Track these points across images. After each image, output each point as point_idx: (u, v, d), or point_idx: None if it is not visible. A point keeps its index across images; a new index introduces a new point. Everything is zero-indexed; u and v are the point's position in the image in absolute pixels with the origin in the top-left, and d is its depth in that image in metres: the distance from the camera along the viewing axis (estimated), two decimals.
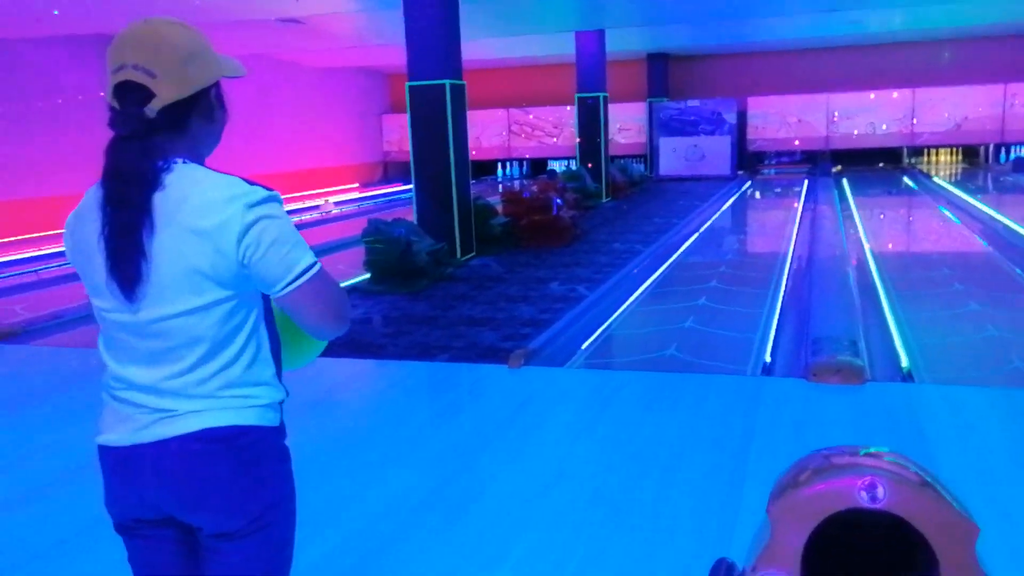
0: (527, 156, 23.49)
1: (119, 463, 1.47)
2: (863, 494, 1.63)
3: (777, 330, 5.78)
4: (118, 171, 1.38)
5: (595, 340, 5.80)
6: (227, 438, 1.43)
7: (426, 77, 8.72)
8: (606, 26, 15.40)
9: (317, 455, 3.64)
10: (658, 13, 14.60)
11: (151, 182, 1.37)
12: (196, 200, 1.37)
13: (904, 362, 4.84)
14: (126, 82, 1.39)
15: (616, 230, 11.42)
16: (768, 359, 5.13)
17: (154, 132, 1.40)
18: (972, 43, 20.13)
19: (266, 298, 1.51)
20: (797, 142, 21.49)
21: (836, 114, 21.04)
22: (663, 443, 3.66)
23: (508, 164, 24.05)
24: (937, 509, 1.39)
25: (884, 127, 20.84)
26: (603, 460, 3.53)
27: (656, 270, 8.25)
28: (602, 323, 6.19)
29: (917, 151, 21.36)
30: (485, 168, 23.11)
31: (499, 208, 10.51)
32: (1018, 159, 18.72)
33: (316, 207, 16.74)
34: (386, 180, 23.04)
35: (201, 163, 1.48)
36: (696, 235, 10.86)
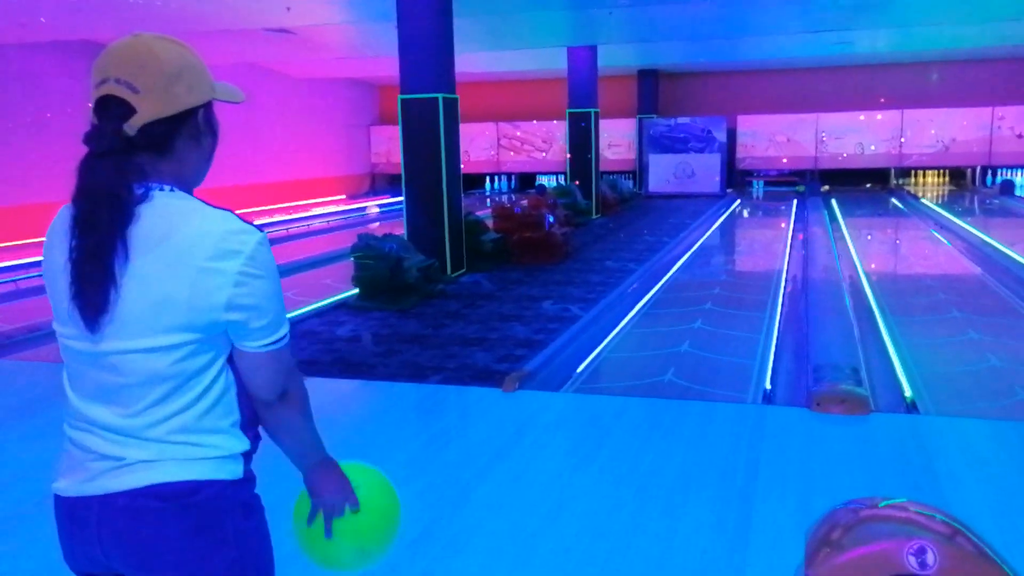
0: (516, 171, 23.43)
1: (66, 513, 1.37)
2: (911, 559, 1.52)
3: (776, 355, 5.68)
4: (90, 190, 1.27)
5: (591, 363, 5.68)
6: (179, 495, 1.31)
7: (419, 90, 8.61)
8: (598, 42, 15.38)
9: (300, 483, 3.48)
10: (650, 30, 14.60)
11: (125, 204, 1.26)
12: (183, 236, 1.27)
13: (907, 392, 4.74)
14: (107, 96, 1.29)
15: (608, 248, 11.33)
16: (768, 386, 5.03)
17: (133, 151, 1.29)
18: (960, 65, 20.29)
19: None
20: (785, 160, 21.54)
21: (824, 134, 21.12)
22: (666, 475, 3.54)
23: (497, 178, 23.98)
24: None
25: (872, 147, 20.94)
26: (605, 492, 3.39)
27: (650, 290, 8.15)
28: (597, 345, 6.07)
29: (905, 172, 21.47)
30: (473, 182, 23.03)
31: (490, 224, 10.40)
32: (1005, 182, 18.82)
33: (302, 219, 16.53)
34: (373, 192, 22.90)
35: (189, 191, 1.37)
36: (688, 254, 10.79)
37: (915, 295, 7.74)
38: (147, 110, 1.29)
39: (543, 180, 22.09)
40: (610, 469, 3.66)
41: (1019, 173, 20.41)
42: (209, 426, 1.34)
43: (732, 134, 21.34)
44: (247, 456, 1.41)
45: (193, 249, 1.27)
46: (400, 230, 9.02)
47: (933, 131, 20.41)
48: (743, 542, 2.92)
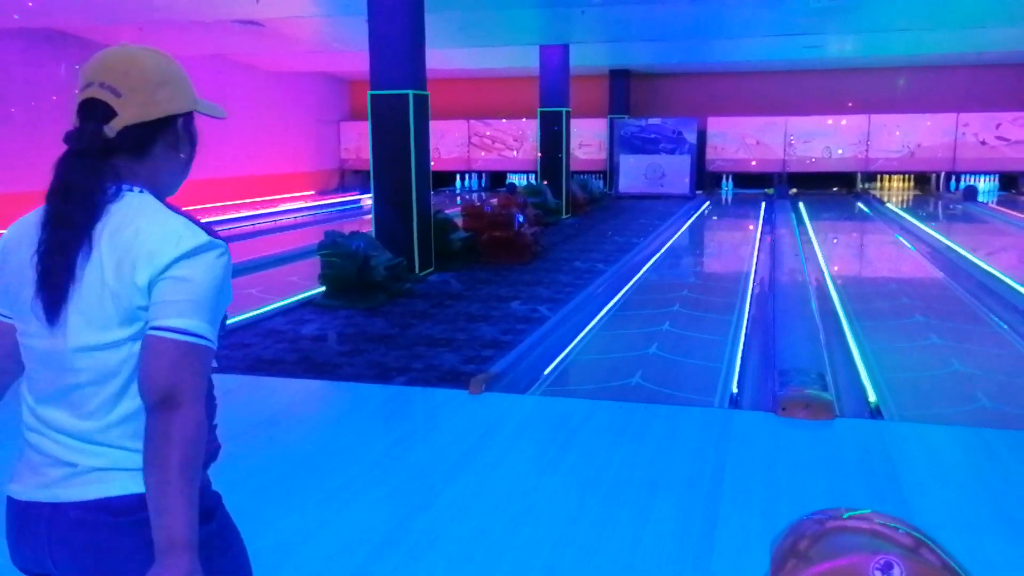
0: (487, 169, 23.37)
1: (17, 515, 1.36)
2: (876, 574, 1.51)
3: (743, 359, 5.70)
4: (65, 188, 1.30)
5: (558, 365, 5.66)
6: (130, 510, 1.29)
7: (389, 86, 8.53)
8: (570, 41, 15.38)
9: (264, 487, 3.42)
10: (622, 30, 14.63)
11: (97, 203, 1.29)
12: (133, 230, 1.29)
13: (872, 397, 4.78)
14: (90, 99, 1.34)
15: (577, 248, 11.33)
16: (735, 390, 5.04)
17: (111, 152, 1.33)
18: (926, 72, 20.60)
19: None
20: (754, 163, 21.72)
21: (793, 137, 21.33)
22: (633, 480, 3.52)
23: (467, 176, 23.90)
24: None
25: (839, 152, 21.19)
26: (572, 496, 3.37)
27: (618, 291, 8.15)
28: (565, 347, 6.05)
29: (871, 177, 21.75)
30: (443, 179, 22.94)
31: (459, 222, 10.34)
32: (968, 188, 19.13)
33: (270, 214, 16.33)
34: (343, 188, 22.72)
35: (160, 197, 1.38)
36: (658, 255, 10.82)
37: (880, 299, 7.82)
38: (128, 113, 1.33)
39: (513, 179, 22.04)
40: (577, 473, 3.63)
41: (982, 179, 20.79)
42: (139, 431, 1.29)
43: (702, 136, 21.47)
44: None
45: (136, 241, 1.27)
46: (368, 227, 8.93)
47: (899, 136, 20.71)
48: (708, 548, 2.91)
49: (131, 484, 1.29)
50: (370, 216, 9.28)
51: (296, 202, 18.86)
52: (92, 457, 1.30)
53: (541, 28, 13.99)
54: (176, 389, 1.24)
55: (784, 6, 11.91)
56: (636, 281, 8.82)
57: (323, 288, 7.54)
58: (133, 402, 1.29)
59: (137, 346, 1.28)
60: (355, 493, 3.43)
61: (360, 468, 3.73)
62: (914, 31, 14.62)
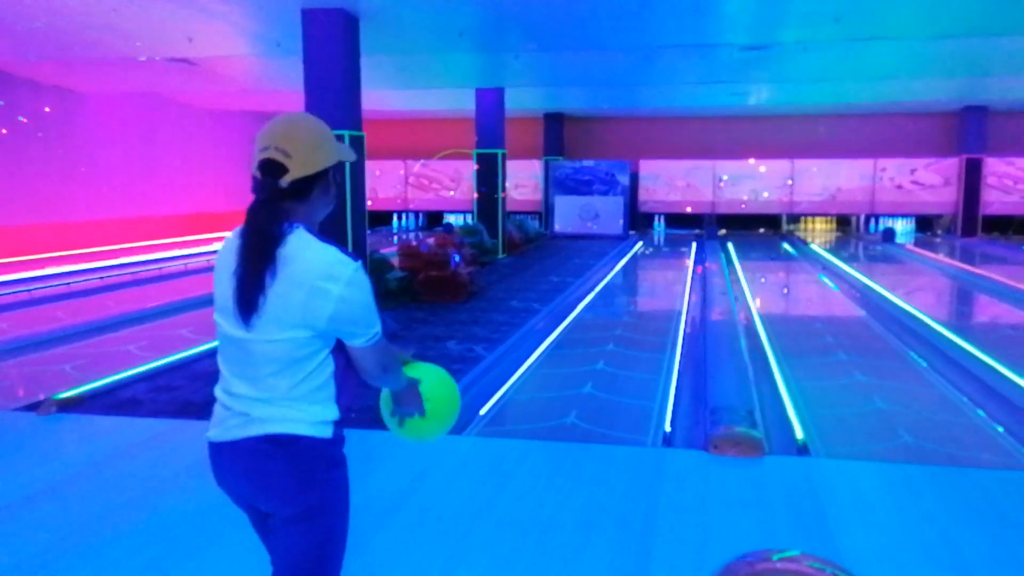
0: (424, 208, 23.42)
1: (213, 455, 1.94)
2: None
3: (675, 397, 5.79)
4: (257, 229, 1.81)
5: (494, 405, 5.66)
6: (284, 443, 1.85)
7: None
8: (505, 85, 15.62)
9: (187, 537, 3.33)
10: (555, 75, 14.95)
11: (277, 239, 1.80)
12: (302, 264, 1.79)
13: (799, 434, 4.90)
14: (268, 160, 1.84)
15: (513, 287, 11.40)
16: (668, 428, 5.11)
17: (283, 199, 1.84)
18: (845, 119, 21.56)
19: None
20: (689, 208, 22.27)
21: (721, 180, 21.98)
22: (566, 521, 3.53)
23: (404, 216, 23.90)
24: None
25: (765, 194, 21.89)
26: (505, 539, 3.36)
27: (554, 330, 8.22)
28: (501, 386, 6.06)
29: (795, 218, 22.50)
30: (381, 219, 22.89)
31: (395, 262, 10.32)
32: (887, 230, 19.95)
33: (203, 253, 16.01)
34: None
35: (315, 226, 1.92)
36: (592, 294, 10.96)
37: (806, 337, 8.06)
38: (296, 170, 1.84)
39: (450, 218, 22.14)
40: (511, 515, 3.63)
41: (900, 221, 21.71)
42: (310, 398, 1.87)
43: (635, 178, 21.95)
44: (337, 423, 1.92)
45: (307, 272, 1.79)
46: None
47: (821, 180, 21.53)
48: None
49: (286, 427, 1.84)
50: None
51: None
52: (261, 411, 1.85)
53: (476, 72, 14.19)
54: (384, 364, 1.95)
55: (709, 56, 12.35)
56: (571, 320, 8.91)
57: None
58: (292, 378, 1.84)
59: (296, 341, 1.81)
60: None
61: None
62: (830, 81, 15.30)
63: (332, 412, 1.90)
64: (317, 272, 1.78)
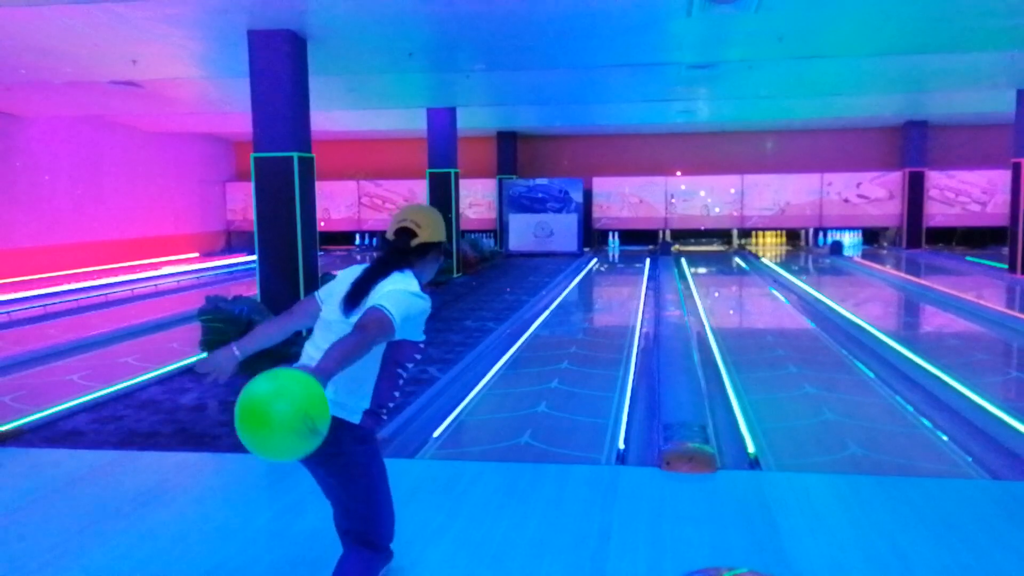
0: (378, 228, 23.27)
1: None
2: None
3: (629, 414, 5.81)
4: (384, 259, 2.69)
5: (448, 426, 5.62)
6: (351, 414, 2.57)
7: (273, 148, 8.44)
8: (457, 104, 15.65)
9: (130, 572, 3.23)
10: (506, 94, 15.01)
11: (390, 269, 2.65)
12: (384, 282, 2.60)
13: (751, 448, 4.94)
14: (404, 227, 2.75)
15: (468, 307, 11.37)
16: (622, 446, 5.12)
17: (408, 254, 2.72)
18: (793, 135, 22.01)
19: (392, 348, 2.58)
20: (660, 229, 22.47)
21: (673, 196, 22.25)
22: (521, 542, 3.51)
23: (358, 236, 23.73)
24: None
25: (716, 209, 22.22)
26: (460, 563, 3.32)
27: (508, 349, 8.20)
28: (455, 407, 6.02)
29: (746, 232, 22.86)
30: (334, 239, 22.70)
31: None
32: (835, 243, 20.37)
33: (149, 278, 15.70)
34: (229, 250, 22.14)
35: (420, 281, 2.71)
36: (547, 312, 10.97)
37: (757, 351, 8.16)
38: (422, 237, 2.74)
39: None
40: (465, 538, 3.59)
41: (847, 234, 22.19)
42: (353, 389, 2.54)
43: (588, 195, 22.11)
44: (367, 413, 2.58)
45: (382, 290, 2.57)
46: (254, 290, 8.71)
47: (770, 194, 21.93)
48: None
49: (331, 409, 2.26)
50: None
51: (179, 265, 18.22)
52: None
53: (428, 91, 14.19)
54: (369, 325, 2.40)
55: (658, 74, 12.52)
56: (526, 338, 8.91)
57: (204, 355, 7.26)
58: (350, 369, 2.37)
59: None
60: (231, 572, 3.28)
61: (241, 541, 3.58)
62: (776, 98, 15.62)
63: (365, 403, 2.56)
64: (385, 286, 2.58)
